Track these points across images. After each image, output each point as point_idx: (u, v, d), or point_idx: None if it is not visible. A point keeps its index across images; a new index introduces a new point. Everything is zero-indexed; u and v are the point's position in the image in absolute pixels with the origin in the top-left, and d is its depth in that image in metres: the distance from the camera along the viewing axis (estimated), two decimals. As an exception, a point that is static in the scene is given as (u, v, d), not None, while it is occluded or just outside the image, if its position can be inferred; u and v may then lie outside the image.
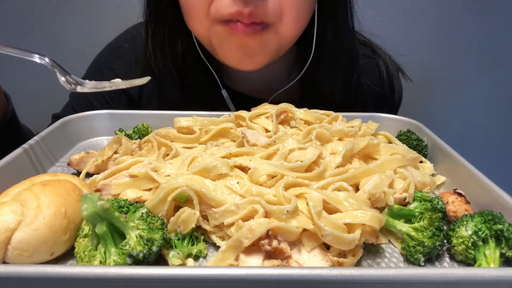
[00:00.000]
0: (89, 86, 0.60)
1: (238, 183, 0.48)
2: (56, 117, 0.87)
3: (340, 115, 0.69)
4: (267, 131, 0.65)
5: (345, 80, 0.86)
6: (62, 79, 0.58)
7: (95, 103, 0.90)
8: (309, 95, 0.86)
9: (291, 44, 0.77)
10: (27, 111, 0.89)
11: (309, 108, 0.70)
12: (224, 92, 0.85)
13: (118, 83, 0.61)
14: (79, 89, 0.59)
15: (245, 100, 0.87)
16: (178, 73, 0.82)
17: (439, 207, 0.47)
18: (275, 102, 0.72)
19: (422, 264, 0.44)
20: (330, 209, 0.45)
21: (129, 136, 0.70)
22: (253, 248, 0.42)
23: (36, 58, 0.57)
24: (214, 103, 0.84)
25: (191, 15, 0.72)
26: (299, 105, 0.71)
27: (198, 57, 0.81)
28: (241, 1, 0.63)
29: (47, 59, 0.58)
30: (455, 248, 0.45)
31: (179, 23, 0.77)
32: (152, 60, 0.82)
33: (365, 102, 0.91)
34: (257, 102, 0.74)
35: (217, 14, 0.67)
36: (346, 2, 0.80)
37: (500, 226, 0.43)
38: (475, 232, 0.44)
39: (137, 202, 0.47)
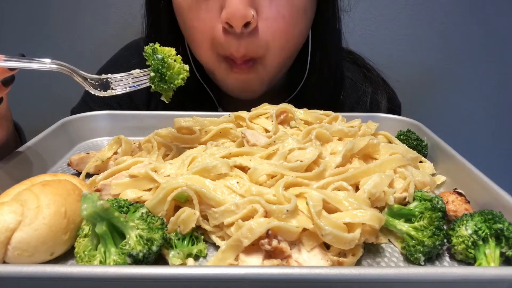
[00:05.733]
0: (118, 88, 0.54)
1: (238, 183, 0.48)
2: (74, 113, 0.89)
3: (340, 115, 0.69)
4: (267, 131, 0.65)
5: (330, 97, 0.91)
6: (87, 85, 0.53)
7: (111, 104, 0.93)
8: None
9: (281, 71, 0.82)
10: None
11: None
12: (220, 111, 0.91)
13: (137, 74, 0.55)
14: (109, 92, 0.54)
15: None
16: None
17: (439, 206, 0.46)
18: None
19: (422, 263, 0.44)
20: (330, 209, 0.45)
21: None
22: (253, 247, 0.42)
23: (47, 66, 0.50)
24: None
25: (196, 46, 0.77)
26: None
27: (197, 79, 0.87)
28: (235, 41, 0.70)
29: (59, 65, 0.51)
30: (455, 247, 0.45)
31: (176, 45, 0.75)
32: None
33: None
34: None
35: (218, 51, 0.74)
36: (334, 30, 0.85)
37: (500, 225, 0.43)
38: (475, 231, 0.44)
39: (137, 202, 0.47)
